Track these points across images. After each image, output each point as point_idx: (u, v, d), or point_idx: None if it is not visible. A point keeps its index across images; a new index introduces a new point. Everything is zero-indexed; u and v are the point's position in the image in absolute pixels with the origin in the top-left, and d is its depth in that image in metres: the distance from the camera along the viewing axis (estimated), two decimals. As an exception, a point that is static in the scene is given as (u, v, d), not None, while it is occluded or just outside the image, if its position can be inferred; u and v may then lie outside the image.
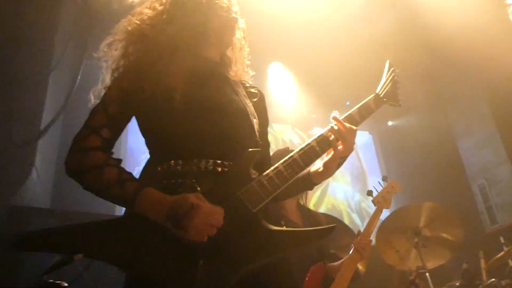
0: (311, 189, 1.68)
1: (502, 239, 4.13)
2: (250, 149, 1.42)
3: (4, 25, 3.97)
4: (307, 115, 7.43)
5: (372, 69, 6.85)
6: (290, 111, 7.16)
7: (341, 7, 6.13)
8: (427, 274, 3.20)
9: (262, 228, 1.33)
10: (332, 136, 1.50)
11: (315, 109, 7.37)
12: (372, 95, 1.70)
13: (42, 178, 4.54)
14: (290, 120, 7.51)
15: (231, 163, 1.39)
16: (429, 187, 7.09)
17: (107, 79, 1.49)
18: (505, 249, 4.01)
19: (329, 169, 1.57)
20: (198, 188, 1.30)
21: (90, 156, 1.32)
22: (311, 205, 7.14)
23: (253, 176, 1.41)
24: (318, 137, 1.51)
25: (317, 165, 1.60)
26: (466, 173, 7.06)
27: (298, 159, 1.44)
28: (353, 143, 1.54)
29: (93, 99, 1.49)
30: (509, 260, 3.89)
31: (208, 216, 1.21)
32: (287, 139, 7.65)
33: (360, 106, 1.64)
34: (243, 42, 1.71)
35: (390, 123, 8.13)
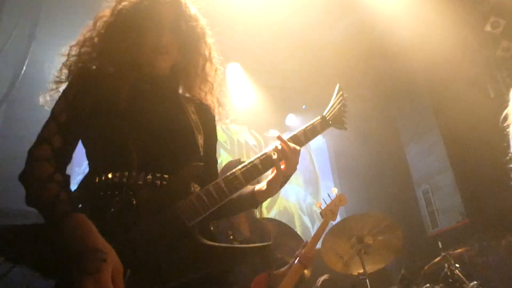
0: (255, 207, 1.67)
1: (440, 244, 4.33)
2: (192, 164, 1.41)
3: None
4: (263, 117, 7.48)
5: (327, 74, 7.05)
6: (246, 112, 7.18)
7: (299, 11, 6.22)
8: (367, 280, 3.33)
9: (195, 242, 1.32)
10: (275, 155, 1.51)
11: (272, 112, 7.43)
12: (319, 118, 1.72)
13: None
14: (246, 121, 7.54)
15: (171, 176, 1.38)
16: (378, 191, 7.36)
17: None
18: (442, 253, 4.22)
19: (272, 188, 1.57)
20: (134, 201, 1.29)
21: (37, 168, 1.31)
22: (263, 207, 7.22)
23: (193, 190, 1.41)
24: (262, 155, 1.52)
25: (261, 183, 1.60)
26: (412, 178, 7.38)
27: (239, 176, 1.45)
28: (296, 163, 1.56)
29: (41, 102, 1.51)
30: (445, 265, 4.08)
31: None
32: (242, 140, 7.67)
33: (306, 128, 1.65)
34: (204, 54, 1.65)
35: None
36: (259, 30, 6.19)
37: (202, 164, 1.45)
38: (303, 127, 1.66)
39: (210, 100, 1.70)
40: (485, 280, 3.98)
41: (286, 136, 1.58)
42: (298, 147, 1.56)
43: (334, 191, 3.22)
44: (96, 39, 1.54)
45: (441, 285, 3.78)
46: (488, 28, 5.91)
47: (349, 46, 6.86)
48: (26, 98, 4.98)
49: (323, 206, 3.14)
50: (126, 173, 1.35)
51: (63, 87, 1.50)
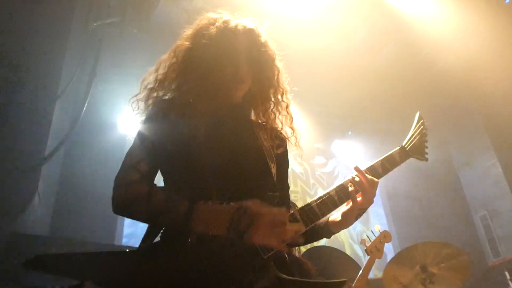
0: (329, 237, 1.63)
1: (507, 275, 4.07)
2: (269, 193, 1.42)
3: (10, 53, 4.03)
4: (309, 144, 7.45)
5: (372, 99, 6.99)
6: (291, 148, 7.17)
7: (343, 38, 6.25)
8: (434, 310, 3.16)
9: (272, 275, 1.31)
10: (352, 187, 1.47)
11: (317, 139, 7.40)
12: (398, 148, 1.66)
13: (43, 205, 4.51)
14: (291, 149, 7.51)
15: None
16: (431, 217, 7.06)
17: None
18: (511, 284, 3.96)
19: (347, 220, 1.52)
20: (210, 233, 1.29)
21: (133, 187, 1.35)
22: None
23: None
24: (338, 186, 1.48)
25: (336, 214, 1.55)
26: (467, 204, 7.04)
27: (315, 208, 1.42)
28: (373, 195, 1.50)
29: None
30: (516, 296, 3.83)
31: (272, 225, 1.21)
32: (289, 168, 7.65)
33: (384, 158, 1.61)
34: (273, 77, 1.65)
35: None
36: (303, 57, 6.25)
37: (277, 194, 1.46)
38: (381, 157, 1.61)
39: (281, 124, 1.69)
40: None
41: (363, 167, 1.53)
42: (376, 179, 1.51)
43: (378, 227, 3.21)
44: (175, 68, 1.57)
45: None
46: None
47: (394, 70, 6.80)
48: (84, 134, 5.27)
49: (368, 243, 3.13)
50: (202, 202, 1.35)
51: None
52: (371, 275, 5.19)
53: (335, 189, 1.47)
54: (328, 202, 1.45)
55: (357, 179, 1.49)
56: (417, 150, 1.71)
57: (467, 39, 6.09)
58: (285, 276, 1.32)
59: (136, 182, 1.37)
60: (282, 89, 1.68)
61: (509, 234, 6.24)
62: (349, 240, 7.27)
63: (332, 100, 7.05)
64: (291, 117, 1.72)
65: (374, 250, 3.08)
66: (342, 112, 7.37)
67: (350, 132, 7.88)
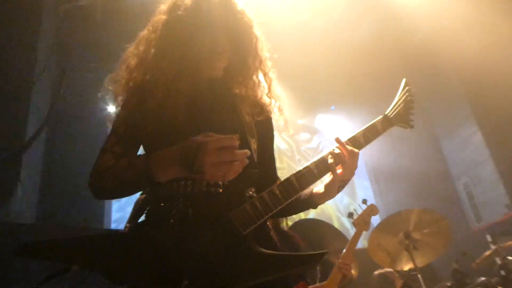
0: (314, 208, 1.61)
1: (489, 238, 4.19)
2: (247, 171, 1.38)
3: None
4: (293, 120, 7.45)
5: (354, 73, 6.99)
6: (275, 116, 7.17)
7: (323, 12, 6.21)
8: (419, 275, 3.25)
9: (251, 250, 1.31)
10: (331, 160, 1.45)
11: (301, 114, 7.41)
12: (381, 116, 1.63)
13: (27, 193, 4.46)
14: (275, 125, 7.51)
15: (225, 184, 1.37)
16: (415, 186, 7.19)
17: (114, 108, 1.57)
18: (493, 247, 4.08)
19: (330, 192, 1.51)
20: (190, 212, 1.30)
21: (104, 176, 1.37)
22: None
23: (248, 197, 1.39)
24: (318, 159, 1.46)
25: (320, 186, 1.54)
26: (450, 172, 7.18)
27: (294, 182, 1.40)
28: (355, 167, 1.49)
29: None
30: (497, 258, 3.95)
31: (219, 151, 1.18)
32: (274, 145, 7.67)
33: (366, 128, 1.58)
34: (253, 49, 1.60)
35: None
36: (284, 32, 6.20)
37: (256, 171, 1.43)
38: (363, 127, 1.57)
39: (264, 95, 1.67)
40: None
41: (344, 139, 1.51)
42: (356, 150, 1.48)
43: (365, 202, 3.23)
44: (154, 44, 1.55)
45: (496, 278, 3.65)
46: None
47: (375, 43, 6.80)
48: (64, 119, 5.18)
49: (355, 216, 3.18)
50: (182, 183, 1.36)
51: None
52: (360, 246, 5.31)
53: (315, 162, 1.45)
54: (307, 176, 1.42)
55: (337, 151, 1.47)
56: (401, 118, 1.68)
57: (446, 9, 6.10)
58: (265, 250, 1.32)
59: (108, 165, 1.38)
60: (261, 56, 1.63)
61: (490, 199, 6.41)
62: (336, 213, 7.39)
63: (314, 75, 7.04)
64: (271, 85, 1.68)
65: (362, 223, 3.13)
66: (324, 87, 7.37)
67: (333, 107, 7.91)
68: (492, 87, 6.13)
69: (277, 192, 1.37)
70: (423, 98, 7.59)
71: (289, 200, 1.39)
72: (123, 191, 1.36)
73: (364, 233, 3.26)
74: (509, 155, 6.10)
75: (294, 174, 1.42)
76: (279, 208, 1.37)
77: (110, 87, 1.57)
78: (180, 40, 1.48)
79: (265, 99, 1.68)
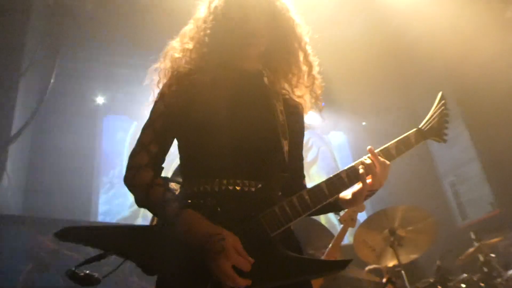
0: (338, 212, 1.66)
1: (472, 235, 4.26)
2: (280, 174, 1.43)
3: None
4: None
5: (344, 70, 7.01)
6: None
7: (313, 10, 6.20)
8: (402, 272, 3.30)
9: (277, 253, 1.33)
10: (362, 170, 1.46)
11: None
12: (414, 130, 1.64)
13: (13, 184, 4.42)
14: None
15: (258, 184, 1.40)
16: (402, 185, 7.26)
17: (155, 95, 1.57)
18: (476, 244, 4.15)
19: (356, 200, 1.53)
20: (219, 209, 1.33)
21: (139, 175, 1.41)
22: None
23: (278, 199, 1.40)
24: (349, 168, 1.48)
25: (346, 191, 1.55)
26: (437, 170, 7.26)
27: (324, 189, 1.42)
28: (385, 178, 1.49)
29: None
30: (480, 255, 4.02)
31: (235, 261, 1.23)
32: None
33: (399, 140, 1.58)
34: (294, 49, 1.61)
35: (364, 123, 8.28)
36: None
37: (287, 175, 1.47)
38: (396, 139, 1.58)
39: (300, 92, 1.66)
40: (522, 268, 3.88)
41: (377, 149, 1.52)
42: (387, 162, 1.50)
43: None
44: (193, 36, 1.57)
45: (478, 275, 3.71)
46: (509, 14, 5.81)
47: (366, 41, 6.83)
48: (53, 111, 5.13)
49: (342, 213, 3.17)
50: (217, 180, 1.39)
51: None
52: (346, 242, 5.36)
53: (345, 170, 1.47)
54: (338, 184, 1.44)
55: (368, 161, 1.48)
56: (435, 132, 1.68)
57: (435, 11, 6.14)
58: (291, 253, 1.34)
59: (144, 166, 1.42)
60: (301, 40, 1.63)
61: (476, 198, 6.49)
62: (323, 209, 7.42)
63: (304, 71, 7.04)
64: (313, 76, 1.68)
65: (348, 219, 3.15)
66: (315, 84, 7.38)
67: (323, 103, 7.93)
68: (480, 88, 6.20)
69: (307, 197, 1.39)
70: (412, 97, 7.66)
71: (318, 207, 1.41)
72: (149, 210, 1.41)
73: (351, 228, 3.30)
74: (495, 154, 6.18)
75: (325, 181, 1.44)
76: (308, 213, 1.39)
77: (154, 77, 1.59)
78: (222, 30, 1.51)
79: (301, 99, 1.67)
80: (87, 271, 1.28)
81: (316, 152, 7.96)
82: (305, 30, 1.67)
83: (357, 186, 1.50)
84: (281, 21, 1.58)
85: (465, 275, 3.64)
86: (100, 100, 6.13)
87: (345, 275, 3.59)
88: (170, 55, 1.59)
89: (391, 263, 3.57)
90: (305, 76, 1.65)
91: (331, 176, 1.46)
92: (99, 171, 5.87)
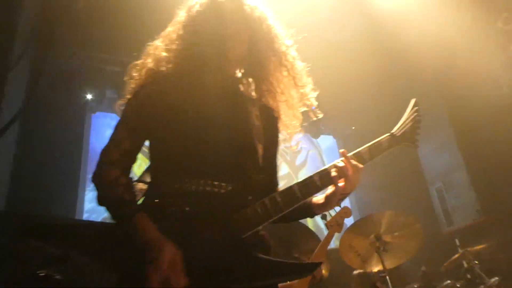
0: (312, 217, 1.66)
1: (457, 241, 4.30)
2: (253, 176, 1.44)
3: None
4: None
5: (336, 74, 7.04)
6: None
7: (308, 12, 6.22)
8: (387, 277, 3.32)
9: (248, 254, 1.33)
10: (335, 173, 1.47)
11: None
12: (388, 135, 1.66)
13: (-2, 180, 4.36)
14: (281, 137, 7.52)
15: (230, 186, 1.40)
16: (390, 190, 7.31)
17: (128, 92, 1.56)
18: (460, 251, 4.19)
19: (329, 203, 1.54)
20: (187, 209, 1.33)
21: (105, 172, 1.41)
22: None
23: (250, 202, 1.40)
24: (322, 171, 1.48)
25: (319, 196, 1.56)
26: (424, 177, 7.32)
27: (296, 191, 1.43)
28: (357, 181, 1.50)
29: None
30: (464, 262, 4.06)
31: (164, 275, 1.21)
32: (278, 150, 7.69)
33: (372, 145, 1.61)
34: (270, 57, 1.61)
35: (353, 127, 8.30)
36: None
37: (261, 176, 1.48)
38: (369, 144, 1.61)
39: (280, 98, 1.65)
40: (505, 275, 3.93)
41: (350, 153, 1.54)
42: (360, 166, 1.52)
43: (339, 204, 3.27)
44: (176, 41, 1.56)
45: (461, 281, 3.75)
46: (499, 24, 5.88)
47: (359, 45, 6.85)
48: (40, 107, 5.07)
49: (328, 218, 3.20)
50: (188, 181, 1.38)
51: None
52: (333, 246, 5.37)
53: (318, 173, 1.47)
54: (310, 186, 1.45)
55: (341, 164, 1.48)
56: (407, 137, 1.71)
57: (427, 17, 6.19)
58: (262, 256, 1.34)
59: (111, 163, 1.41)
60: (280, 48, 1.62)
61: (462, 204, 6.56)
62: (311, 213, 7.43)
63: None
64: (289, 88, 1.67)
65: (334, 224, 3.17)
66: (306, 87, 7.39)
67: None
68: (468, 95, 6.26)
69: (279, 199, 1.40)
70: (403, 103, 7.70)
71: (290, 209, 1.41)
72: (105, 208, 1.39)
73: (337, 234, 3.31)
74: (482, 162, 6.25)
75: (297, 184, 1.44)
76: (279, 215, 1.39)
77: (133, 74, 1.58)
78: (201, 35, 1.51)
79: (279, 106, 1.66)
80: (49, 272, 1.25)
81: (305, 155, 7.97)
82: (285, 36, 1.67)
83: (330, 190, 1.51)
84: (259, 29, 1.58)
85: (449, 281, 3.67)
86: (89, 97, 6.08)
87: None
88: (151, 54, 1.58)
89: (376, 268, 3.59)
90: (285, 83, 1.65)
91: (304, 178, 1.46)
92: (86, 169, 5.82)
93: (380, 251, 3.39)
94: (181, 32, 1.56)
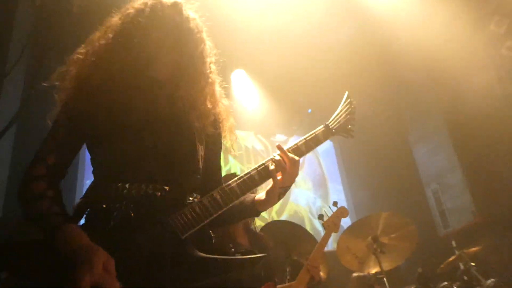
0: (257, 216, 1.65)
1: (454, 243, 4.32)
2: (191, 177, 1.44)
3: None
4: (270, 122, 7.50)
5: (332, 76, 7.08)
6: (253, 117, 7.20)
7: (301, 16, 6.25)
8: (384, 279, 3.33)
9: (189, 255, 1.32)
10: (273, 166, 1.48)
11: (278, 116, 7.45)
12: (322, 126, 1.69)
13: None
14: (252, 126, 7.55)
15: (169, 188, 1.38)
16: (386, 192, 7.33)
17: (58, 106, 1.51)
18: (457, 252, 4.20)
19: (270, 199, 1.54)
20: (132, 214, 1.31)
21: (30, 187, 1.36)
22: (273, 212, 7.20)
23: (189, 202, 1.40)
24: (260, 166, 1.50)
25: (261, 193, 1.57)
26: (420, 178, 7.35)
27: (235, 188, 1.44)
28: (296, 174, 1.52)
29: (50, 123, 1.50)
30: (460, 264, 4.07)
31: (97, 276, 1.15)
32: (249, 145, 7.69)
33: (308, 138, 1.63)
34: (196, 52, 1.58)
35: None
36: (263, 36, 6.23)
37: (199, 177, 1.48)
38: (305, 136, 1.63)
39: (214, 105, 1.64)
40: (501, 277, 3.95)
41: (289, 145, 1.56)
42: (297, 158, 1.52)
43: (336, 204, 3.29)
44: (104, 46, 1.52)
45: (458, 283, 3.77)
46: (492, 27, 5.93)
47: (353, 48, 6.89)
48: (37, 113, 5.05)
49: (325, 218, 3.22)
50: (127, 185, 1.36)
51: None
52: (330, 248, 5.37)
53: (256, 168, 1.49)
54: (249, 182, 1.46)
55: (277, 157, 1.50)
56: (342, 128, 1.75)
57: (422, 20, 6.24)
58: (203, 255, 1.33)
59: (37, 178, 1.37)
60: (208, 62, 1.61)
61: (458, 206, 6.58)
62: (308, 215, 7.46)
63: (292, 78, 7.09)
64: (217, 95, 1.67)
65: (331, 225, 3.18)
66: (302, 90, 7.43)
67: (310, 110, 7.98)
68: (463, 97, 6.30)
69: (218, 197, 1.40)
70: (399, 106, 7.76)
71: (230, 205, 1.42)
72: (33, 223, 1.33)
73: (335, 235, 3.32)
74: (477, 164, 6.28)
75: (235, 180, 1.45)
76: (219, 212, 1.40)
77: (57, 83, 1.53)
78: (132, 39, 1.48)
79: (217, 110, 1.66)
80: None
81: (302, 158, 7.96)
82: (213, 52, 1.65)
83: (269, 186, 1.52)
84: (188, 43, 1.54)
85: (445, 283, 3.68)
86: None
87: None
88: (75, 61, 1.53)
89: (374, 270, 3.60)
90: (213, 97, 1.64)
91: (242, 174, 1.48)
92: (83, 173, 5.80)
93: (377, 252, 3.40)
94: (114, 38, 1.51)
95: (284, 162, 1.49)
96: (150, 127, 1.44)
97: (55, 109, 1.51)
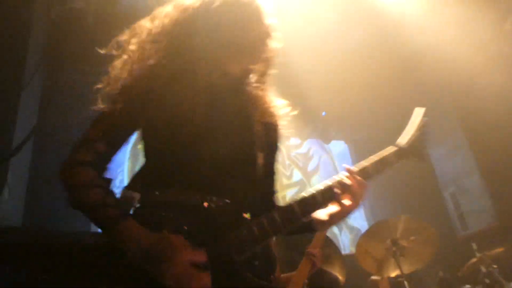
0: (311, 232, 1.62)
1: (474, 246, 4.23)
2: (249, 190, 1.36)
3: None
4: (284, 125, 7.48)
5: (344, 82, 7.05)
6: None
7: (315, 21, 6.26)
8: (405, 282, 3.29)
9: (242, 280, 1.24)
10: (338, 190, 1.39)
11: (291, 120, 7.43)
12: (394, 149, 1.55)
13: (13, 196, 4.42)
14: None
15: (225, 201, 1.29)
16: (403, 195, 7.25)
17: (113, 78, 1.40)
18: (478, 255, 4.12)
19: (333, 222, 1.45)
20: (185, 227, 1.23)
21: (78, 171, 1.27)
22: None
23: (245, 219, 1.32)
24: (325, 188, 1.39)
25: (321, 212, 1.46)
26: (438, 181, 7.25)
27: (296, 209, 1.32)
28: (362, 199, 1.42)
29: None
30: (482, 266, 3.99)
31: (190, 267, 1.13)
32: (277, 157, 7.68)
33: (378, 161, 1.50)
34: (271, 55, 1.53)
35: (365, 133, 8.25)
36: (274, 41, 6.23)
37: (259, 190, 1.41)
38: (375, 159, 1.51)
39: (274, 104, 1.60)
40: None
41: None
42: (365, 182, 1.43)
43: (342, 221, 3.26)
44: (162, 32, 1.41)
45: (480, 286, 3.69)
46: (508, 26, 5.85)
47: (367, 51, 6.87)
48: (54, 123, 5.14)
49: None
50: (183, 195, 1.29)
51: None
52: (347, 252, 5.33)
53: (321, 190, 1.38)
54: (312, 203, 1.36)
55: (346, 180, 1.40)
56: (417, 152, 1.59)
57: (436, 24, 6.19)
58: (258, 281, 1.27)
59: (85, 164, 1.28)
60: (269, 52, 1.52)
61: (476, 209, 6.47)
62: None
63: (305, 82, 7.08)
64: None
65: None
66: (316, 94, 7.41)
67: (324, 113, 7.95)
68: (479, 99, 6.23)
69: (277, 217, 1.29)
70: (413, 108, 7.66)
71: (290, 227, 1.32)
72: (83, 213, 1.26)
73: (352, 239, 3.30)
74: (495, 165, 6.18)
75: (297, 202, 1.34)
76: (277, 234, 1.31)
77: (114, 71, 1.43)
78: (214, 38, 1.38)
79: (276, 104, 1.61)
80: None
81: (317, 161, 7.96)
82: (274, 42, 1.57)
83: (333, 210, 1.43)
84: (270, 45, 1.49)
85: (468, 286, 3.62)
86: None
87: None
88: (140, 45, 1.42)
89: (394, 273, 3.56)
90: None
91: (304, 195, 1.37)
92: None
93: (396, 255, 3.36)
94: (186, 27, 1.39)
95: (353, 186, 1.39)
96: (212, 135, 1.35)
97: (99, 94, 1.40)
